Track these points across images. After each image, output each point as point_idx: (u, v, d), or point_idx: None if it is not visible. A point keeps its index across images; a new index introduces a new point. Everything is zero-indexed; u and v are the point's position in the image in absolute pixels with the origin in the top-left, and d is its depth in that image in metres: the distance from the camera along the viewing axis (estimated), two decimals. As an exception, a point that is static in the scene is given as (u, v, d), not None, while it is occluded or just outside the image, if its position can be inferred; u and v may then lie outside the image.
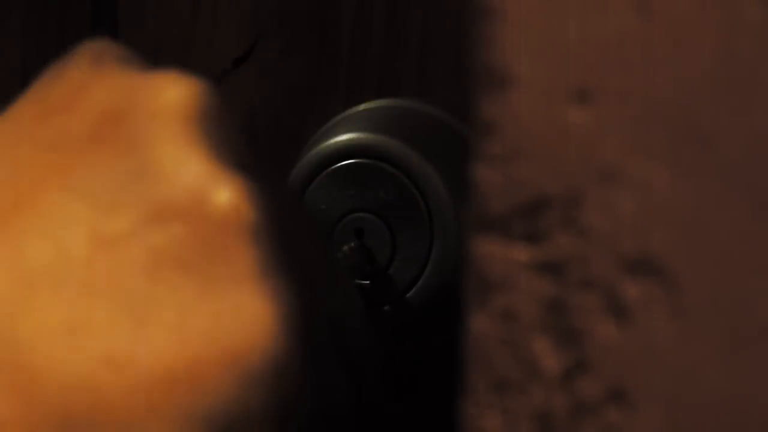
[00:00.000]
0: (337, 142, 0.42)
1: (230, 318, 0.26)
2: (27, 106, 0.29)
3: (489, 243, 0.22)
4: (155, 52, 0.47)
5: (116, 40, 0.44)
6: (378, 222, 0.41)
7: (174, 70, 0.29)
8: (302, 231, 0.31)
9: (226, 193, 0.27)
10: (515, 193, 0.22)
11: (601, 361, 0.21)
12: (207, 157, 0.28)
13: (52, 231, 0.26)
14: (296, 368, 0.27)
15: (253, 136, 0.46)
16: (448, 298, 0.41)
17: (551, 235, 0.22)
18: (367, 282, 0.42)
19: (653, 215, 0.21)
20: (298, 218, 0.31)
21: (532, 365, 0.22)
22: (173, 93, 0.28)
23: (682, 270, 0.21)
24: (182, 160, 0.27)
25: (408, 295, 0.42)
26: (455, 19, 0.43)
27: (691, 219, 0.21)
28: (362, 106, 0.44)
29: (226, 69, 0.46)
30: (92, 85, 0.29)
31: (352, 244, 0.42)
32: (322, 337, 0.29)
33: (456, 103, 0.43)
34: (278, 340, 0.27)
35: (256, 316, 0.27)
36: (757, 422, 0.21)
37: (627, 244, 0.21)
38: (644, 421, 0.21)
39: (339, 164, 0.42)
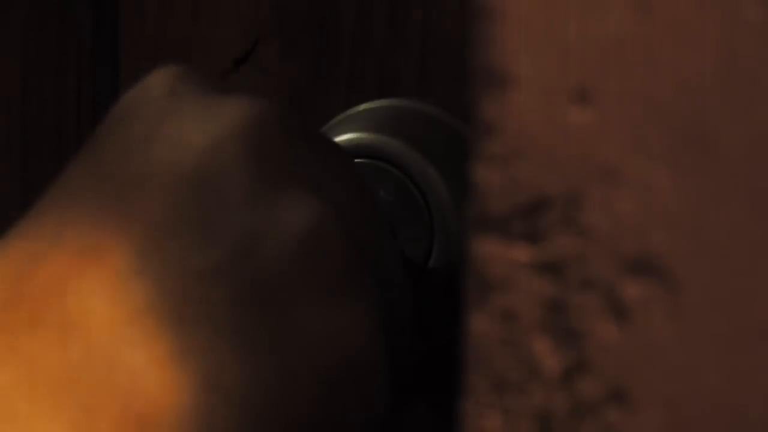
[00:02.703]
0: (337, 143, 0.42)
1: (345, 332, 0.28)
2: (109, 142, 0.30)
3: (489, 243, 0.22)
4: (155, 52, 0.47)
5: (116, 41, 0.44)
6: (378, 222, 0.41)
7: (242, 95, 0.30)
8: (373, 226, 0.32)
9: (306, 217, 0.28)
10: (515, 193, 0.22)
11: (601, 361, 0.21)
12: (276, 184, 0.29)
13: (150, 269, 0.26)
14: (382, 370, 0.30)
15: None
16: (449, 298, 0.41)
17: (551, 235, 0.22)
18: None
19: (653, 215, 0.21)
20: (371, 219, 0.32)
21: (532, 365, 0.22)
22: (240, 120, 0.29)
23: (682, 270, 0.21)
24: (255, 193, 0.28)
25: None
26: (455, 19, 0.43)
27: (691, 219, 0.21)
28: (362, 106, 0.44)
29: (226, 69, 0.46)
30: (171, 117, 0.29)
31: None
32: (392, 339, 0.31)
33: (456, 103, 0.43)
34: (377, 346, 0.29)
35: (362, 328, 0.29)
36: (758, 422, 0.21)
37: (627, 244, 0.21)
38: (644, 421, 0.21)
39: (339, 164, 0.42)
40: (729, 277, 0.21)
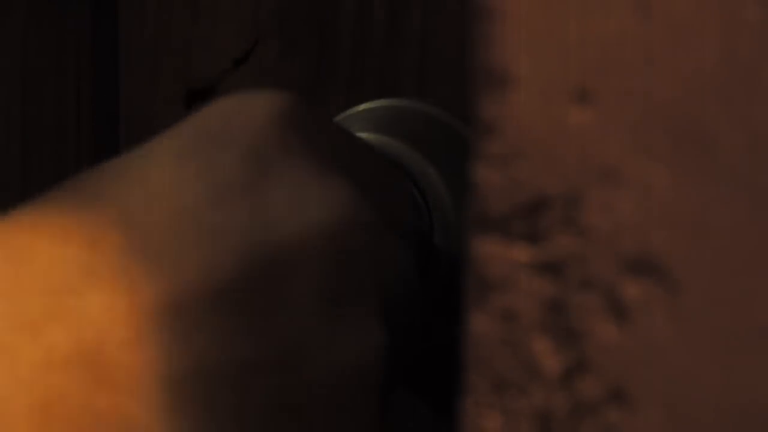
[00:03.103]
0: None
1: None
2: (198, 154, 0.28)
3: (489, 243, 0.22)
4: (155, 52, 0.47)
5: (116, 41, 0.44)
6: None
7: (348, 186, 0.28)
8: (412, 322, 0.32)
9: (366, 350, 0.28)
10: (515, 193, 0.22)
11: (601, 361, 0.21)
12: (345, 302, 0.28)
13: (197, 341, 0.25)
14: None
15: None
16: (449, 298, 0.41)
17: (551, 235, 0.22)
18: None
19: (653, 215, 0.21)
20: (415, 318, 0.32)
21: (532, 365, 0.22)
22: (336, 222, 0.28)
23: (682, 270, 0.21)
24: (322, 305, 0.27)
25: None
26: (455, 19, 0.43)
27: (691, 219, 0.21)
28: (362, 106, 0.44)
29: (226, 69, 0.46)
30: (271, 180, 0.28)
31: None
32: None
33: (456, 103, 0.43)
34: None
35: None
36: (757, 422, 0.21)
37: (627, 244, 0.21)
38: (644, 421, 0.21)
39: (339, 164, 0.42)
40: (729, 277, 0.21)
